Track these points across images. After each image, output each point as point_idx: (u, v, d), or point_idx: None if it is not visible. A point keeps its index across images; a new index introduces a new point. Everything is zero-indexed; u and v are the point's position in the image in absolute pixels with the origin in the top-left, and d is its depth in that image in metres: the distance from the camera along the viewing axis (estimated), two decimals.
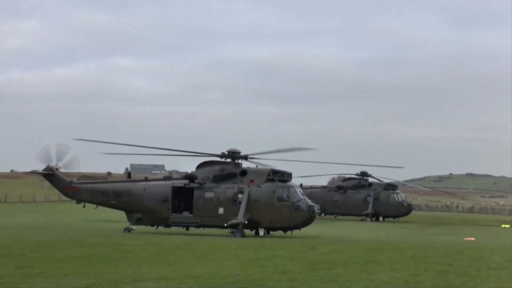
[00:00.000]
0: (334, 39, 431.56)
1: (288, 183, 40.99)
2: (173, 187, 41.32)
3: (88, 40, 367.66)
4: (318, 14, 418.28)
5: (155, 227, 42.15)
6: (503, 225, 69.85)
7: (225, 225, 39.84)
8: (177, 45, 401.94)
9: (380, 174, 77.53)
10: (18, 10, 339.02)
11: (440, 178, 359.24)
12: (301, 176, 64.09)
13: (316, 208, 41.55)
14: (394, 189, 78.51)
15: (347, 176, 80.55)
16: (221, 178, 40.87)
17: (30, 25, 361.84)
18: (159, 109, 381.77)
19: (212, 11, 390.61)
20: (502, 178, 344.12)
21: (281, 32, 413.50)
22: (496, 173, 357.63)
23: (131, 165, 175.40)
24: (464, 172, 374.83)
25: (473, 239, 42.52)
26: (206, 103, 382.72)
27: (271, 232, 41.07)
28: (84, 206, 44.80)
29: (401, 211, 77.54)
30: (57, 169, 43.13)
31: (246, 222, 39.49)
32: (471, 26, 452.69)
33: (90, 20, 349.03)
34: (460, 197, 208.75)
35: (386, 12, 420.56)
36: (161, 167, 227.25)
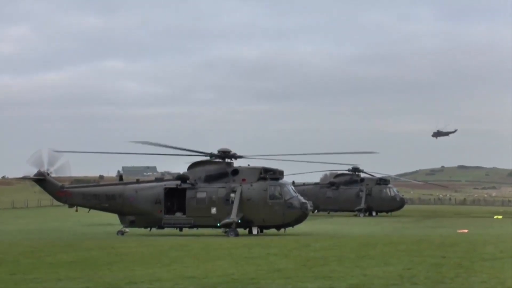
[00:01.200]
0: (324, 35, 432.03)
1: (280, 181, 41.08)
2: (165, 189, 41.30)
3: (78, 44, 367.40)
4: (307, 11, 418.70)
5: (149, 229, 42.12)
6: (495, 216, 70.10)
7: (218, 224, 39.86)
8: (167, 46, 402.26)
9: (372, 166, 77.64)
10: (7, 16, 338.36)
11: (432, 171, 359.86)
12: (293, 174, 64.19)
13: (309, 205, 41.63)
14: (386, 184, 78.74)
15: (339, 172, 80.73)
16: (213, 178, 40.88)
17: (20, 31, 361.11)
18: (151, 110, 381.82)
19: (201, 11, 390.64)
20: (494, 169, 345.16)
21: (271, 30, 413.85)
22: (488, 164, 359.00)
23: (123, 167, 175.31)
24: (456, 165, 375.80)
25: (466, 231, 42.65)
26: (198, 104, 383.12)
27: (264, 231, 41.12)
28: (76, 210, 44.70)
29: (394, 205, 77.81)
30: (48, 174, 43.01)
31: (239, 221, 39.52)
32: (462, 19, 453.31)
33: (80, 24, 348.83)
34: (452, 190, 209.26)
35: (376, 7, 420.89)
36: (153, 168, 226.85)
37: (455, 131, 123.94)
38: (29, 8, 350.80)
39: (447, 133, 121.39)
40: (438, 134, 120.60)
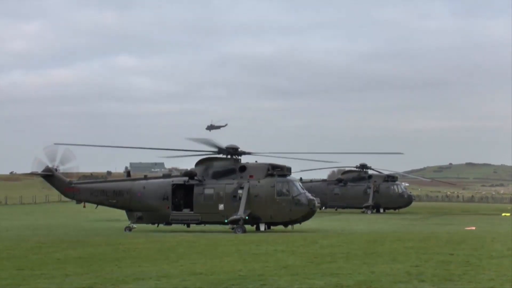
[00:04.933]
0: (337, 32, 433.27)
1: (288, 178, 41.03)
2: (173, 185, 41.34)
3: (91, 40, 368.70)
4: (321, 8, 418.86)
5: (156, 225, 42.16)
6: (503, 214, 69.87)
7: (226, 221, 39.87)
8: (180, 43, 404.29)
9: (380, 163, 77.70)
10: (21, 12, 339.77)
11: (440, 168, 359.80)
12: (301, 170, 64.17)
13: (317, 201, 41.60)
14: (394, 181, 78.56)
15: (346, 168, 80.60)
16: (220, 174, 40.89)
17: (34, 27, 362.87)
18: (162, 107, 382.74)
19: (215, 8, 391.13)
20: (502, 166, 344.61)
21: (284, 27, 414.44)
22: (496, 162, 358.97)
23: (130, 163, 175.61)
24: (464, 162, 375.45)
25: (474, 228, 42.55)
26: (210, 100, 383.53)
27: (272, 227, 41.11)
28: (84, 206, 44.84)
29: (401, 202, 77.63)
30: (56, 170, 43.11)
31: (247, 217, 39.51)
32: (476, 15, 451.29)
33: (93, 20, 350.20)
34: (460, 187, 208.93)
35: (390, 3, 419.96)
36: (161, 165, 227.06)
37: (226, 125, 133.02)
38: (44, 4, 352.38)
39: (218, 127, 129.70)
40: (211, 127, 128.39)
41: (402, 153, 72.93)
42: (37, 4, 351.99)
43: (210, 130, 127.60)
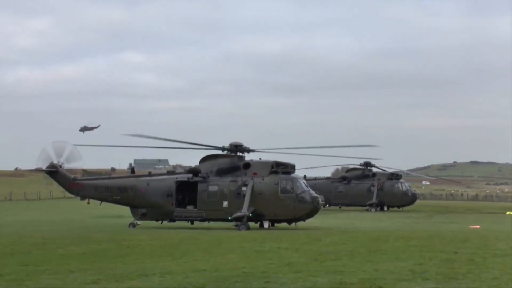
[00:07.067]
0: (345, 29, 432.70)
1: (292, 175, 41.01)
2: (177, 182, 41.33)
3: (97, 36, 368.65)
4: (328, 5, 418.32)
5: (160, 221, 42.20)
6: (508, 212, 69.70)
7: (230, 218, 39.87)
8: (186, 39, 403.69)
9: (384, 161, 77.31)
10: (28, 8, 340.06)
11: (444, 167, 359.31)
12: (305, 168, 64.16)
13: (320, 199, 41.58)
14: (398, 179, 78.48)
15: (351, 166, 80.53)
16: (224, 171, 40.88)
17: (41, 23, 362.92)
18: (168, 103, 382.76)
19: (221, 4, 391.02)
20: (507, 165, 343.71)
21: (291, 24, 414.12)
22: (500, 160, 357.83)
23: (134, 160, 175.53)
24: (468, 160, 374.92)
25: (478, 227, 42.49)
26: (216, 97, 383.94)
27: (275, 224, 41.11)
28: (88, 203, 44.86)
29: (405, 200, 77.50)
30: (60, 166, 43.15)
31: (251, 215, 39.51)
32: (484, 13, 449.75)
33: (99, 16, 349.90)
34: (464, 185, 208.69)
35: (398, 1, 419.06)
36: (165, 161, 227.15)
37: (99, 126, 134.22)
38: (51, 0, 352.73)
39: (91, 128, 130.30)
40: (84, 129, 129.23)
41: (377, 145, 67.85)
42: (43, 0, 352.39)
43: (83, 132, 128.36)
